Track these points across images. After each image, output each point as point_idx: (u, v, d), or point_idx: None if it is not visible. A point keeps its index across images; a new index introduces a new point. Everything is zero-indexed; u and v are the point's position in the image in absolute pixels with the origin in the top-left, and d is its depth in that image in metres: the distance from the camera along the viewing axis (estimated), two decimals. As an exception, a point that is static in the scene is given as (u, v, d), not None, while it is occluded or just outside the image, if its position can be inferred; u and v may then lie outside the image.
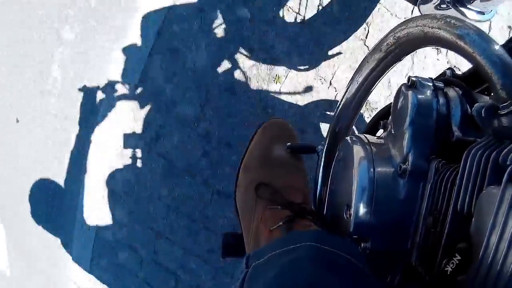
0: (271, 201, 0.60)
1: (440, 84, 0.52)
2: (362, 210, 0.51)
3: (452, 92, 0.51)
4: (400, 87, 0.52)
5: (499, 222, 0.34)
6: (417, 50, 0.54)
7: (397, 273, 0.52)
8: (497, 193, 0.35)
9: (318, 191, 0.63)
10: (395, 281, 0.52)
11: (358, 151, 0.54)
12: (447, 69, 0.56)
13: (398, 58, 0.54)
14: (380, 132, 0.62)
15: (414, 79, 0.51)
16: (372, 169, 0.52)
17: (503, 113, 0.40)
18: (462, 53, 0.45)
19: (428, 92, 0.50)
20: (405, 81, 0.52)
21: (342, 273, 0.45)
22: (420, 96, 0.50)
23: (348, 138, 0.56)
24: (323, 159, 0.62)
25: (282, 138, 0.69)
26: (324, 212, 0.60)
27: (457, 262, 0.38)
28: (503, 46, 0.52)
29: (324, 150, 0.62)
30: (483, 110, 0.42)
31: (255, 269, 0.47)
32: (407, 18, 0.52)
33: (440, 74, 0.57)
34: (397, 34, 0.51)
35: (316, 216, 0.60)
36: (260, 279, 0.46)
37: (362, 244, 0.51)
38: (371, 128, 0.64)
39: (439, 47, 1.05)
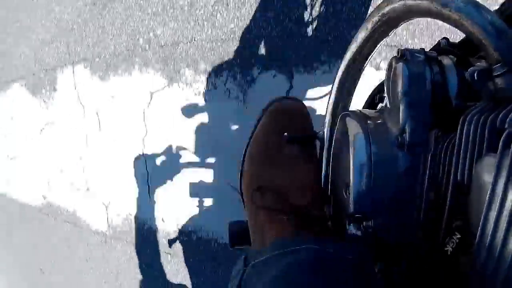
0: (272, 209, 0.54)
1: (433, 54, 0.47)
2: (361, 186, 0.47)
3: (446, 60, 0.47)
4: (391, 60, 0.48)
5: (497, 195, 0.29)
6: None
7: (402, 264, 0.47)
8: (494, 162, 0.30)
9: (324, 176, 0.57)
10: (400, 273, 0.47)
11: (353, 127, 0.50)
12: (441, 38, 0.51)
13: (385, 33, 0.49)
14: (379, 106, 0.57)
15: (404, 50, 0.46)
16: (369, 144, 0.48)
17: (497, 74, 0.36)
18: (449, 22, 0.41)
19: (420, 62, 0.45)
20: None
21: (342, 278, 0.41)
22: (411, 67, 0.45)
23: (343, 114, 0.52)
24: (326, 144, 0.58)
25: (291, 126, 0.59)
26: (329, 193, 0.55)
27: (456, 241, 0.34)
28: (496, 11, 0.47)
29: (325, 133, 0.58)
30: (475, 74, 0.37)
31: (253, 268, 0.44)
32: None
33: (435, 45, 0.51)
34: (381, 10, 0.47)
35: (322, 218, 0.54)
36: (258, 280, 0.42)
37: (364, 223, 0.47)
38: (370, 103, 0.60)
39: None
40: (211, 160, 1.49)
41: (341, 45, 1.24)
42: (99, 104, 1.79)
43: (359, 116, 0.51)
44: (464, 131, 0.37)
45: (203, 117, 1.46)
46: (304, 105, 0.63)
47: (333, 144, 0.55)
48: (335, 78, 0.57)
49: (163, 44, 1.47)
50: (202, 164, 1.49)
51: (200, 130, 1.48)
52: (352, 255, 0.47)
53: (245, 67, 1.34)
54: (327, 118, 0.58)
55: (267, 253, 0.47)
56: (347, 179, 0.50)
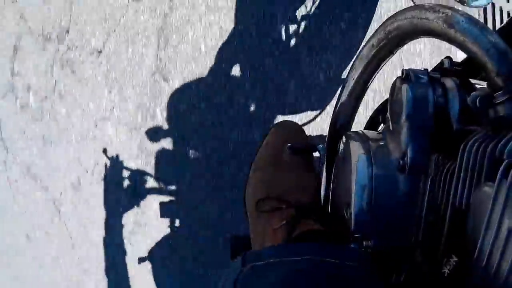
0: (273, 209, 0.57)
1: (436, 75, 0.47)
2: (362, 208, 0.47)
3: (449, 83, 0.46)
4: (395, 81, 0.48)
5: (493, 223, 0.29)
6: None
7: (402, 272, 0.47)
8: (492, 191, 0.30)
9: (323, 190, 0.59)
10: (400, 280, 0.47)
11: (355, 148, 0.50)
12: (444, 58, 0.51)
13: (390, 52, 0.49)
14: (381, 127, 0.58)
15: (408, 71, 0.46)
16: (370, 166, 0.48)
17: (498, 102, 0.35)
18: (453, 43, 0.40)
19: (424, 84, 0.46)
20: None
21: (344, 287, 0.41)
22: (415, 89, 0.45)
23: (346, 134, 0.52)
24: (325, 158, 0.59)
25: (292, 139, 0.66)
26: (328, 210, 0.56)
27: (454, 263, 0.34)
28: (498, 31, 0.47)
29: (326, 148, 0.58)
30: (477, 100, 0.37)
31: (252, 270, 0.44)
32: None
33: (438, 64, 0.51)
34: (387, 28, 0.47)
35: (321, 215, 0.56)
36: (257, 282, 0.43)
37: (364, 243, 0.47)
38: (372, 123, 0.60)
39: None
40: (173, 184, 1.50)
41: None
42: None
43: (361, 137, 0.51)
44: (464, 159, 0.37)
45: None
46: (299, 125, 0.71)
47: (335, 162, 0.56)
48: (340, 93, 0.58)
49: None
50: (167, 187, 1.50)
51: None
52: (355, 261, 0.47)
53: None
54: (329, 135, 0.58)
55: (268, 256, 0.48)
56: (348, 199, 0.50)
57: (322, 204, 0.59)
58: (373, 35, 0.49)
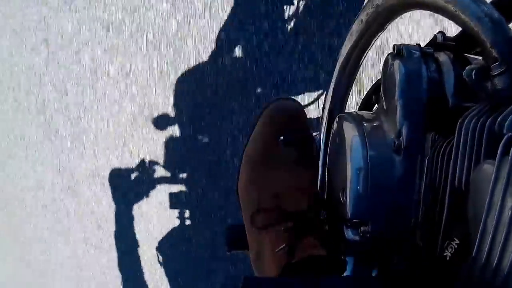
0: (269, 224, 0.54)
1: (429, 50, 0.45)
2: (357, 191, 0.46)
3: (443, 57, 0.45)
4: (387, 57, 0.46)
5: (495, 203, 0.28)
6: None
7: (403, 253, 0.46)
8: (492, 169, 0.29)
9: (320, 179, 0.57)
10: (401, 263, 0.46)
11: (349, 129, 0.48)
12: (437, 32, 0.49)
13: (381, 27, 0.47)
14: (376, 107, 0.56)
15: (400, 46, 0.45)
16: (365, 147, 0.46)
17: (495, 74, 0.34)
18: (446, 14, 0.39)
19: (416, 59, 0.44)
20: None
21: None
22: (407, 64, 0.44)
23: (339, 116, 0.51)
24: (322, 145, 0.57)
25: (287, 128, 0.59)
26: (327, 202, 0.54)
27: (455, 246, 0.33)
28: (491, 3, 0.45)
29: (322, 134, 0.57)
30: (473, 73, 0.35)
31: None
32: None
33: (431, 39, 0.50)
34: (376, 2, 0.45)
35: (320, 225, 0.53)
36: None
37: (362, 228, 0.46)
38: (366, 104, 0.58)
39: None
40: (183, 173, 1.49)
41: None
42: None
43: (355, 118, 0.50)
44: (462, 136, 0.35)
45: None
46: (301, 104, 0.62)
47: (329, 146, 0.54)
48: (332, 76, 0.56)
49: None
50: (176, 176, 1.49)
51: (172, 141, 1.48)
52: None
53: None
54: (324, 120, 0.57)
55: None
56: (344, 184, 0.49)
57: (322, 202, 0.56)
58: (362, 10, 0.47)
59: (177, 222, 1.53)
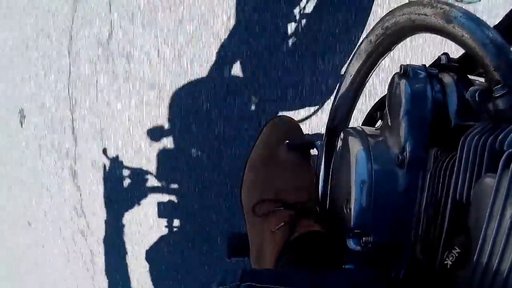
0: (270, 211, 0.57)
1: (434, 71, 0.48)
2: (361, 203, 0.48)
3: (447, 78, 0.47)
4: (393, 77, 0.49)
5: (495, 213, 0.30)
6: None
7: (402, 266, 0.48)
8: (493, 182, 0.31)
9: (321, 187, 0.59)
10: (400, 274, 0.48)
11: (354, 144, 0.50)
12: (442, 54, 0.51)
13: (388, 48, 0.50)
14: (379, 123, 0.58)
15: (406, 67, 0.47)
16: (370, 161, 0.48)
17: (497, 95, 0.36)
18: (451, 38, 0.41)
19: (422, 80, 0.46)
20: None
21: None
22: (413, 84, 0.46)
23: (344, 130, 0.53)
24: (323, 154, 0.59)
25: (287, 136, 0.65)
26: (327, 208, 0.56)
27: (456, 255, 0.35)
28: (495, 27, 0.48)
29: (324, 145, 0.59)
30: (476, 94, 0.38)
31: None
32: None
33: (435, 60, 0.52)
34: (385, 24, 0.47)
35: (319, 215, 0.56)
36: None
37: (364, 238, 0.47)
38: (369, 120, 0.60)
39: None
40: (174, 184, 1.51)
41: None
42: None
43: (360, 133, 0.52)
44: (464, 151, 0.38)
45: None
46: (296, 121, 0.70)
47: (333, 158, 0.56)
48: (338, 89, 0.59)
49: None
50: (167, 186, 1.51)
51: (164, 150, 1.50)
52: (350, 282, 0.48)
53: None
54: (327, 132, 0.59)
55: (265, 281, 0.48)
56: (347, 195, 0.50)
57: (320, 202, 0.59)
58: (371, 31, 0.50)
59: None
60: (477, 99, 0.38)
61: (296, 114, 1.27)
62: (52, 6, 1.59)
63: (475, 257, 0.32)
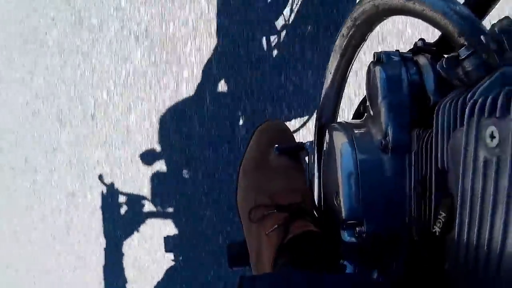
0: (265, 215, 0.57)
1: (408, 54, 0.48)
2: (350, 194, 0.47)
3: (422, 59, 0.47)
4: (369, 65, 0.49)
5: (469, 162, 0.29)
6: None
7: (400, 260, 0.46)
8: (462, 134, 0.30)
9: (314, 186, 0.58)
10: (399, 270, 0.46)
11: (338, 137, 0.50)
12: (418, 40, 0.52)
13: (362, 38, 0.51)
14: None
15: (379, 54, 0.48)
16: (354, 151, 0.48)
17: (463, 57, 0.36)
18: (415, 15, 0.42)
19: (396, 64, 0.47)
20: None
21: None
22: (387, 69, 0.46)
23: (329, 127, 0.53)
24: (314, 154, 0.59)
25: (278, 139, 0.66)
26: (322, 206, 0.55)
27: (443, 220, 0.33)
28: (464, 3, 0.48)
29: (314, 144, 0.59)
30: (443, 62, 0.38)
31: None
32: None
33: (413, 46, 0.53)
34: (354, 15, 0.49)
35: (314, 215, 0.55)
36: None
37: (357, 229, 0.46)
38: (357, 114, 0.60)
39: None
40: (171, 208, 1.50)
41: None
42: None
43: (344, 126, 0.52)
44: (440, 119, 0.37)
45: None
46: (285, 124, 0.70)
47: (322, 156, 0.56)
48: (321, 90, 0.59)
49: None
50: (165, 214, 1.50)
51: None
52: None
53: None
54: (315, 131, 0.59)
55: (263, 284, 0.47)
56: (337, 188, 0.50)
57: (315, 202, 0.58)
58: (342, 25, 0.51)
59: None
60: (445, 66, 0.38)
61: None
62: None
63: (457, 213, 0.30)
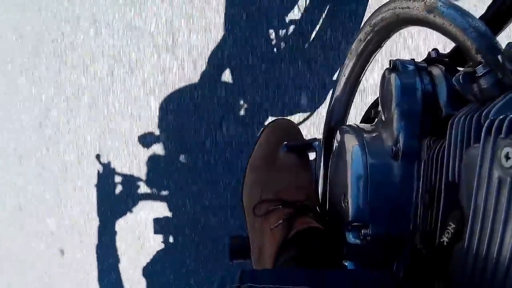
0: (269, 210, 0.58)
1: (423, 64, 0.49)
2: (358, 196, 0.48)
3: (436, 70, 0.48)
4: (384, 72, 0.50)
5: (483, 179, 0.30)
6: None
7: (403, 259, 0.48)
8: (478, 151, 0.31)
9: (320, 186, 0.60)
10: (402, 268, 0.47)
11: (349, 140, 0.51)
12: (431, 50, 0.53)
13: (378, 45, 0.52)
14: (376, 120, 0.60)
15: (395, 61, 0.49)
16: (365, 155, 0.49)
17: (480, 75, 0.37)
18: (435, 28, 0.43)
19: (411, 73, 0.48)
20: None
21: None
22: (402, 78, 0.47)
23: (340, 129, 0.54)
24: (322, 154, 0.60)
25: (287, 138, 0.67)
26: (327, 206, 0.57)
27: (452, 231, 0.35)
28: (480, 18, 0.49)
29: (322, 144, 0.60)
30: (460, 77, 0.39)
31: None
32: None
33: (427, 56, 0.54)
34: (373, 21, 0.49)
35: (318, 213, 0.57)
36: None
37: (362, 231, 0.47)
38: (367, 118, 0.61)
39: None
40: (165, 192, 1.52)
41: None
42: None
43: (355, 129, 0.53)
44: (453, 133, 0.38)
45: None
46: (295, 123, 0.71)
47: (331, 156, 0.57)
48: (333, 90, 0.60)
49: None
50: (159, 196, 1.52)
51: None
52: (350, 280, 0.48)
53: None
54: (324, 132, 0.60)
55: (265, 281, 0.48)
56: (345, 189, 0.51)
57: (319, 200, 0.59)
58: (360, 30, 0.52)
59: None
60: (461, 81, 0.39)
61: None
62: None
63: (468, 227, 0.32)
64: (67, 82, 1.67)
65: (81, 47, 1.63)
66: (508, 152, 0.29)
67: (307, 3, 1.28)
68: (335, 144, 0.56)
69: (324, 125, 0.60)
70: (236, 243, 0.60)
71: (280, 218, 0.56)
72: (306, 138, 0.68)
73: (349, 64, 0.55)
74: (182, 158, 1.47)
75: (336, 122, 0.59)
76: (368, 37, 0.51)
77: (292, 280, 0.45)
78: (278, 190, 0.60)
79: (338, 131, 0.55)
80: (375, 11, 0.49)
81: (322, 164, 0.59)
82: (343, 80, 0.57)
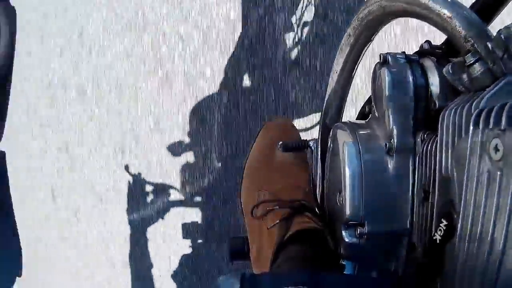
0: (267, 210, 0.57)
1: (414, 57, 0.47)
2: (353, 193, 0.46)
3: (427, 62, 0.47)
4: (375, 67, 0.48)
5: (472, 172, 0.29)
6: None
7: (401, 260, 0.46)
8: (467, 144, 0.30)
9: (317, 185, 0.58)
10: (400, 269, 0.46)
11: (343, 136, 0.50)
12: (424, 42, 0.51)
13: (368, 39, 0.50)
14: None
15: (385, 55, 0.47)
16: (358, 152, 0.47)
17: (469, 63, 0.35)
18: (422, 18, 0.41)
19: (402, 66, 0.46)
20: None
21: None
22: (393, 71, 0.46)
23: (334, 126, 0.52)
24: (318, 153, 0.59)
25: (283, 137, 0.66)
26: (325, 205, 0.55)
27: (444, 228, 0.33)
28: (470, 7, 0.47)
29: (318, 143, 0.59)
30: (449, 67, 0.37)
31: None
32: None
33: (419, 49, 0.52)
34: (360, 15, 0.48)
35: (315, 211, 0.55)
36: None
37: (358, 229, 0.46)
38: (362, 114, 0.60)
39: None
40: (198, 198, 1.51)
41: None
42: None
43: (349, 126, 0.51)
44: (444, 125, 0.37)
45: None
46: (291, 120, 0.67)
47: (326, 155, 0.56)
48: (326, 88, 0.59)
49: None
50: (191, 203, 1.52)
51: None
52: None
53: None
54: (320, 130, 0.58)
55: (265, 285, 0.47)
56: (340, 187, 0.49)
57: (317, 199, 0.58)
58: (348, 25, 0.51)
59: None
60: (450, 71, 0.37)
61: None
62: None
63: (459, 223, 0.30)
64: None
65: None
66: (497, 144, 0.27)
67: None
68: (330, 141, 0.54)
69: (319, 123, 0.58)
70: (236, 244, 0.59)
71: (277, 218, 0.55)
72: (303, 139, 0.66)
73: (339, 60, 0.54)
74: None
75: (330, 119, 0.58)
76: (357, 32, 0.49)
77: (291, 283, 0.44)
78: (275, 190, 0.59)
79: (332, 128, 0.54)
80: (363, 4, 0.48)
81: (319, 162, 0.58)
82: (335, 76, 0.55)
